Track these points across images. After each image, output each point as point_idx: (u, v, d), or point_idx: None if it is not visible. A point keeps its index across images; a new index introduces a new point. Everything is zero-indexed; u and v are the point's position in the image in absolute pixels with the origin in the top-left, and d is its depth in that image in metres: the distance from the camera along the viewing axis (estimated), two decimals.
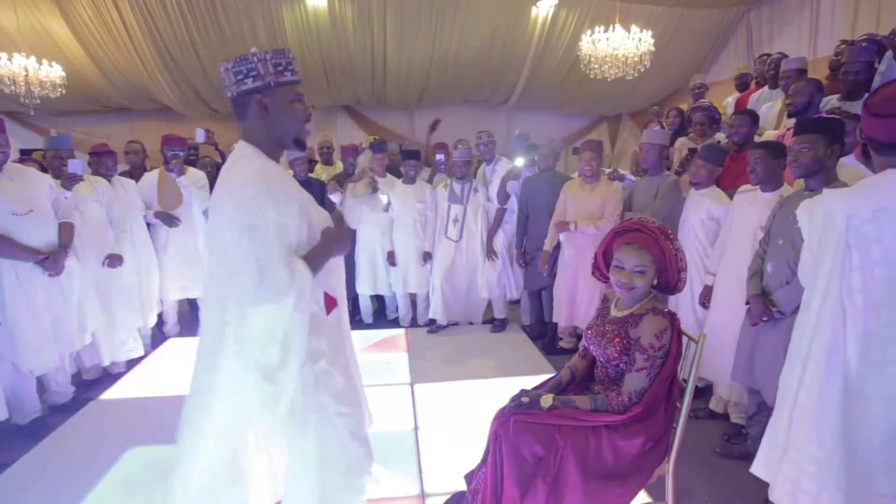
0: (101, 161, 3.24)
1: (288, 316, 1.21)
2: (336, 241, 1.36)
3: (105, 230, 3.10)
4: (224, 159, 4.44)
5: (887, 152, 1.37)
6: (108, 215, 3.12)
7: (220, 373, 1.30)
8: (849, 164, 2.37)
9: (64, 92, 6.27)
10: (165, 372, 3.31)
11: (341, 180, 4.00)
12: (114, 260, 3.07)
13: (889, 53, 2.87)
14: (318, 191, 3.89)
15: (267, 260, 1.16)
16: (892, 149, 1.36)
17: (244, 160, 1.25)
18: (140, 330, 3.53)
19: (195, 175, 3.80)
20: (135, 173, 3.85)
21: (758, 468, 1.60)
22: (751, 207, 2.40)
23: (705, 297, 2.65)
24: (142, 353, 3.38)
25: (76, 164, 2.88)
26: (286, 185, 1.30)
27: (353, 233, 1.42)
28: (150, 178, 3.73)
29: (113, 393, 3.02)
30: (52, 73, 6.07)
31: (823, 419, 1.36)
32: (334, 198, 3.71)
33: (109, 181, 3.24)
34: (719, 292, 2.55)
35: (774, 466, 1.50)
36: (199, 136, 4.26)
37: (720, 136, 3.61)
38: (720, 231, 2.65)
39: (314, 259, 1.29)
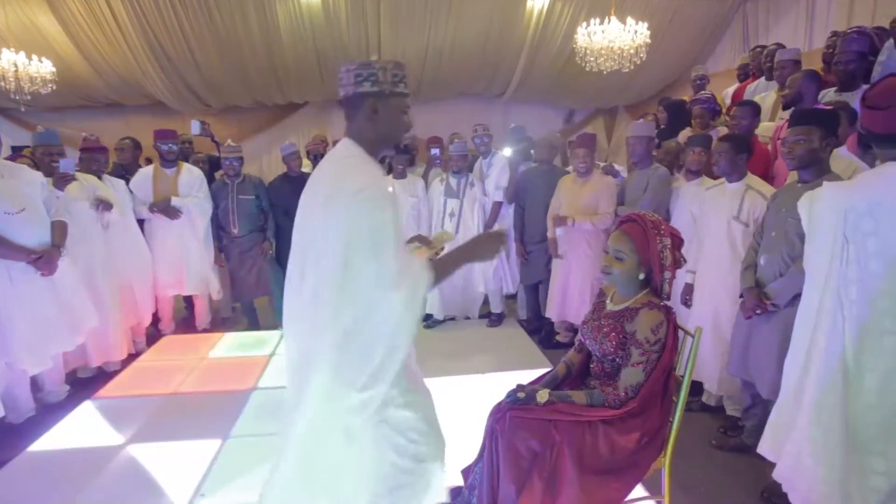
0: (94, 157, 3.19)
1: (398, 313, 1.21)
2: (481, 247, 1.39)
3: (96, 229, 3.05)
4: (220, 151, 4.39)
5: (885, 145, 1.38)
6: (97, 216, 3.06)
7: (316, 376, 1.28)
8: (842, 156, 2.37)
9: (55, 88, 6.19)
10: (161, 370, 3.29)
11: None
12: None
13: (890, 42, 2.85)
14: None
15: (386, 254, 1.19)
16: (890, 141, 1.36)
17: (354, 161, 1.29)
18: (134, 328, 3.52)
19: (190, 174, 3.76)
20: (127, 170, 3.81)
21: (764, 448, 1.64)
22: (721, 200, 2.45)
23: (687, 295, 2.65)
24: (125, 355, 3.33)
25: (68, 164, 2.84)
26: (392, 192, 1.36)
27: (500, 240, 1.43)
28: (146, 172, 3.70)
29: (108, 391, 3.01)
30: (42, 68, 5.99)
31: (823, 402, 1.39)
32: None
33: (100, 178, 3.20)
34: (699, 288, 2.57)
35: (779, 446, 1.53)
36: (195, 127, 4.23)
37: (721, 129, 3.59)
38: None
39: (447, 262, 1.35)
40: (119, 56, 6.46)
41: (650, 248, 1.54)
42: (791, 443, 1.48)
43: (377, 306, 1.20)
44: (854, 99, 2.82)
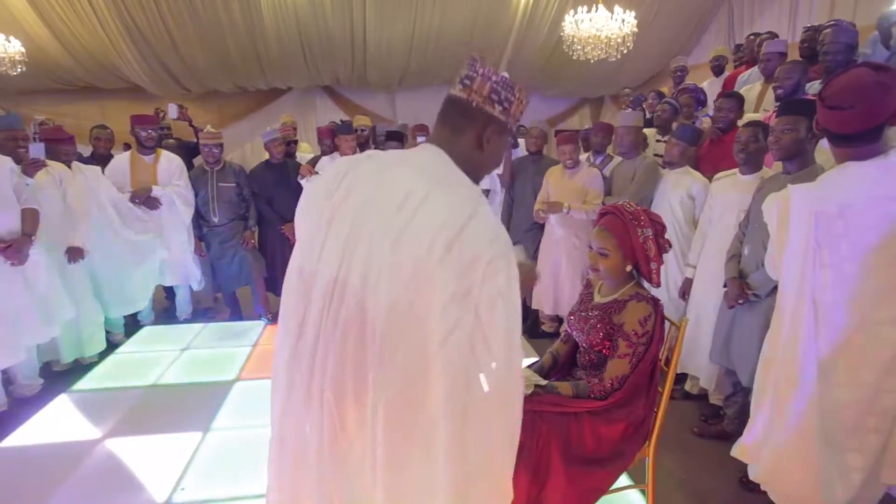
0: (59, 148, 3.00)
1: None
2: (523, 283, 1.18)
3: (66, 220, 2.93)
4: (198, 137, 4.27)
5: (843, 144, 1.36)
6: (67, 206, 2.93)
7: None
8: (825, 147, 2.38)
9: (25, 70, 5.96)
10: (140, 361, 3.22)
11: (316, 164, 3.92)
12: (73, 253, 2.91)
13: (875, 35, 2.87)
14: (293, 174, 3.79)
15: (517, 320, 0.98)
16: (847, 140, 1.34)
17: (474, 194, 1.00)
18: (110, 321, 3.43)
19: (169, 161, 3.63)
20: (105, 162, 3.67)
21: (737, 450, 1.63)
22: (731, 192, 2.36)
23: (685, 290, 2.64)
24: (104, 347, 3.24)
25: (38, 149, 2.72)
26: None
27: (533, 277, 1.30)
28: (122, 159, 3.57)
29: (84, 384, 2.93)
30: (11, 48, 5.75)
31: (799, 406, 1.39)
32: (304, 183, 3.62)
33: (69, 167, 3.06)
34: (701, 282, 2.54)
35: (756, 450, 1.54)
36: (172, 111, 4.10)
37: (705, 120, 3.60)
38: (698, 215, 2.65)
39: None
40: (93, 36, 6.23)
41: (632, 242, 1.53)
42: (769, 448, 1.48)
43: (503, 368, 0.95)
44: None
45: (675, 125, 3.66)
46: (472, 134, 1.02)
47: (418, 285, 0.90)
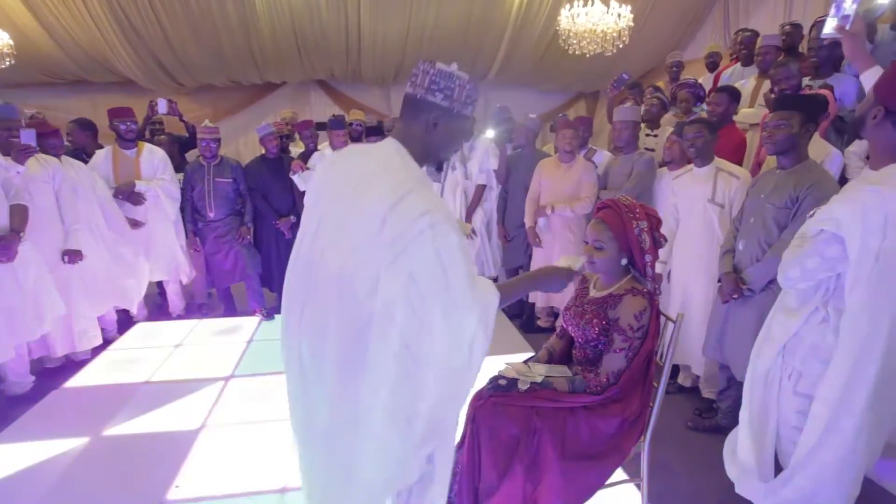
0: (47, 140, 2.95)
1: (469, 335, 1.12)
2: (555, 279, 1.38)
3: (56, 214, 2.89)
4: (189, 131, 4.23)
5: None
6: (57, 201, 2.89)
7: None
8: (816, 140, 2.40)
9: (13, 62, 5.86)
10: (132, 358, 3.20)
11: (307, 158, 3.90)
12: (72, 256, 2.88)
13: (885, 26, 2.87)
14: (288, 169, 3.77)
15: (458, 278, 1.09)
16: None
17: (412, 175, 1.14)
18: (106, 315, 3.40)
19: (152, 154, 3.60)
20: (86, 153, 3.61)
21: (746, 489, 1.58)
22: (693, 185, 2.48)
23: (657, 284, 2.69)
24: (100, 342, 3.23)
25: (29, 135, 2.65)
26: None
27: (570, 277, 1.41)
28: (104, 154, 3.52)
29: (77, 381, 2.91)
30: None
31: (861, 434, 1.33)
32: (296, 178, 3.60)
33: (59, 159, 3.02)
34: (678, 274, 2.59)
35: (776, 486, 1.48)
36: (161, 106, 4.04)
37: (702, 112, 3.60)
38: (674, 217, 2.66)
39: (512, 287, 1.29)
40: (83, 29, 6.14)
41: (628, 234, 1.53)
42: (804, 479, 1.40)
43: (443, 334, 1.10)
44: (836, 84, 2.86)
45: (664, 120, 3.67)
46: (421, 121, 1.19)
47: (358, 257, 1.09)
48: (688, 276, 2.54)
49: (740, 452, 1.61)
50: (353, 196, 1.12)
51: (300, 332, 1.19)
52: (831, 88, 2.76)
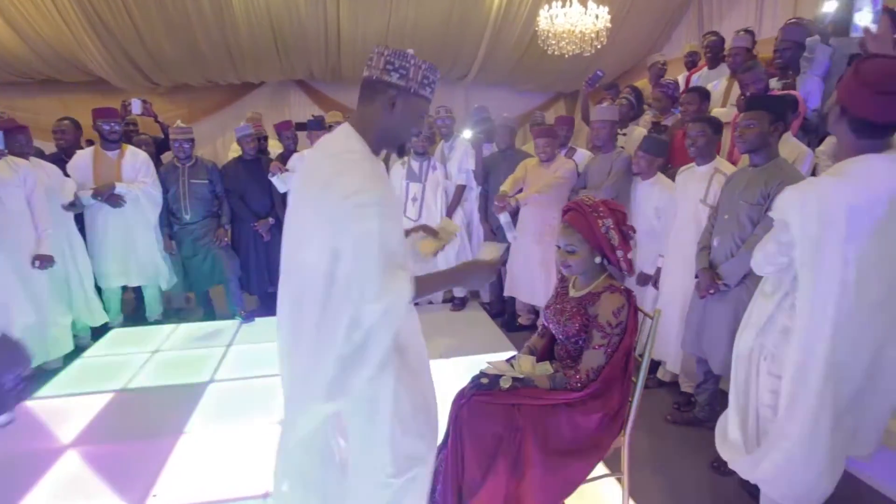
0: (15, 138, 2.85)
1: (372, 321, 1.14)
2: (474, 275, 1.37)
3: (27, 219, 2.79)
4: (165, 133, 4.14)
5: (877, 134, 1.30)
6: (29, 205, 2.80)
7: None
8: (790, 141, 2.47)
9: None
10: (107, 365, 3.12)
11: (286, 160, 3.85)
12: (44, 261, 2.80)
13: (815, 38, 2.98)
14: (265, 170, 3.72)
15: (369, 265, 1.12)
16: (881, 131, 1.29)
17: (351, 158, 1.18)
18: (76, 323, 3.30)
19: (135, 157, 3.52)
20: (68, 155, 3.52)
21: (736, 464, 1.62)
22: (690, 183, 2.49)
23: (656, 278, 2.73)
24: (71, 348, 3.15)
25: None
26: (390, 189, 1.31)
27: (493, 271, 1.40)
28: (85, 155, 3.43)
29: (48, 391, 2.82)
30: None
31: (822, 410, 1.37)
32: (275, 180, 3.56)
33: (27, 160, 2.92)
34: (667, 270, 2.64)
35: (752, 455, 1.54)
36: (135, 106, 3.95)
37: (676, 116, 3.68)
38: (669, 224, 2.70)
39: (432, 281, 1.29)
40: (51, 26, 5.95)
41: (596, 234, 1.55)
42: (777, 452, 1.45)
43: (346, 323, 1.14)
44: (799, 85, 2.95)
45: (640, 129, 3.73)
46: (379, 102, 1.21)
47: (300, 239, 1.20)
48: (671, 274, 2.58)
49: (730, 431, 1.66)
50: (303, 187, 1.22)
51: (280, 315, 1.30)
52: (795, 89, 2.86)
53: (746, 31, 3.70)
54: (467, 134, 3.93)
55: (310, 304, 1.16)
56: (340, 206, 1.10)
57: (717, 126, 2.40)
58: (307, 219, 1.18)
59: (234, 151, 4.35)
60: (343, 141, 1.21)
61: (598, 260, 1.60)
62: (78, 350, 3.26)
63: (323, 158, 1.22)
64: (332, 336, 1.14)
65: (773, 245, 1.45)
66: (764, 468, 1.50)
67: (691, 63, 4.74)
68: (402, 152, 1.34)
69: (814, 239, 1.32)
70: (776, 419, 1.49)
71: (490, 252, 1.42)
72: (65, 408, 2.62)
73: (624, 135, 3.61)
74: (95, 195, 3.31)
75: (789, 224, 1.36)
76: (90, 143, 4.35)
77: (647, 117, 3.84)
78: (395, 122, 1.23)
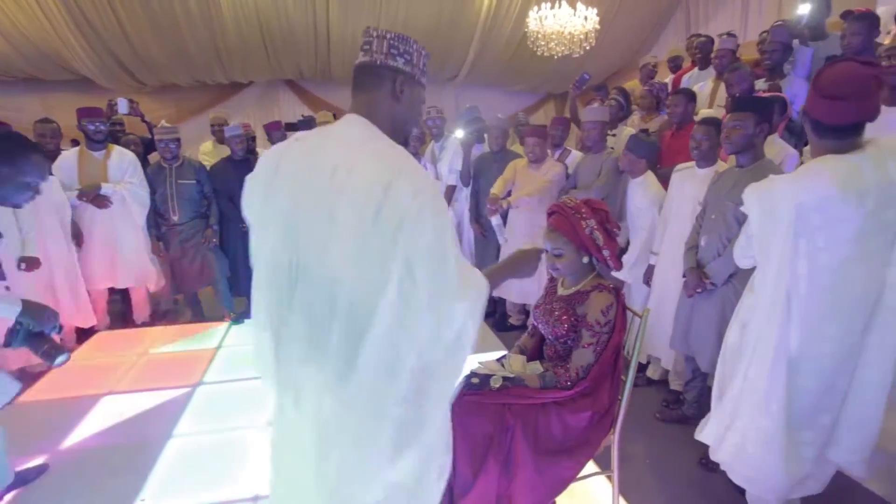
0: None
1: (459, 324, 1.04)
2: (525, 264, 1.33)
3: (13, 220, 2.73)
4: (152, 133, 4.09)
5: (831, 135, 1.36)
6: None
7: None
8: (775, 142, 2.51)
9: None
10: (94, 369, 3.07)
11: None
12: (30, 265, 2.75)
13: (796, 42, 3.03)
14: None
15: (450, 263, 1.02)
16: (835, 132, 1.35)
17: (391, 151, 1.04)
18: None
19: (122, 157, 3.47)
20: (51, 156, 3.45)
21: (702, 434, 1.69)
22: (688, 184, 2.48)
23: (648, 276, 2.74)
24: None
25: None
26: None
27: (538, 257, 1.38)
28: (69, 156, 3.38)
29: (32, 395, 2.77)
30: None
31: (772, 394, 1.44)
32: None
33: None
34: (661, 269, 2.64)
35: (721, 433, 1.59)
36: (122, 106, 3.89)
37: (664, 117, 3.72)
38: (657, 216, 2.72)
39: (495, 275, 1.23)
40: (33, 24, 5.85)
41: (580, 235, 1.57)
42: (733, 432, 1.54)
43: (435, 326, 1.01)
44: (785, 86, 3.01)
45: (629, 129, 3.76)
46: (385, 89, 1.09)
47: (358, 252, 0.97)
48: (666, 271, 2.58)
49: (710, 420, 1.72)
50: (333, 187, 0.99)
51: (287, 347, 1.08)
52: (781, 90, 2.90)
53: (730, 34, 3.76)
54: (459, 134, 3.94)
55: (363, 317, 0.98)
56: (409, 209, 0.95)
57: (721, 129, 2.33)
58: (354, 237, 0.97)
59: (204, 154, 4.28)
60: (372, 136, 1.06)
61: (585, 260, 1.61)
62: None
63: (359, 158, 1.01)
64: (412, 343, 0.99)
65: (743, 238, 1.56)
66: (725, 448, 1.56)
67: (675, 67, 4.80)
68: (405, 144, 1.22)
69: (765, 233, 1.41)
70: (736, 398, 1.55)
71: (529, 244, 1.44)
72: (48, 412, 2.58)
73: (613, 135, 3.65)
74: (81, 196, 3.26)
75: (749, 218, 1.46)
76: (75, 143, 4.29)
77: (635, 118, 3.88)
78: (403, 111, 1.13)
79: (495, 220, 3.38)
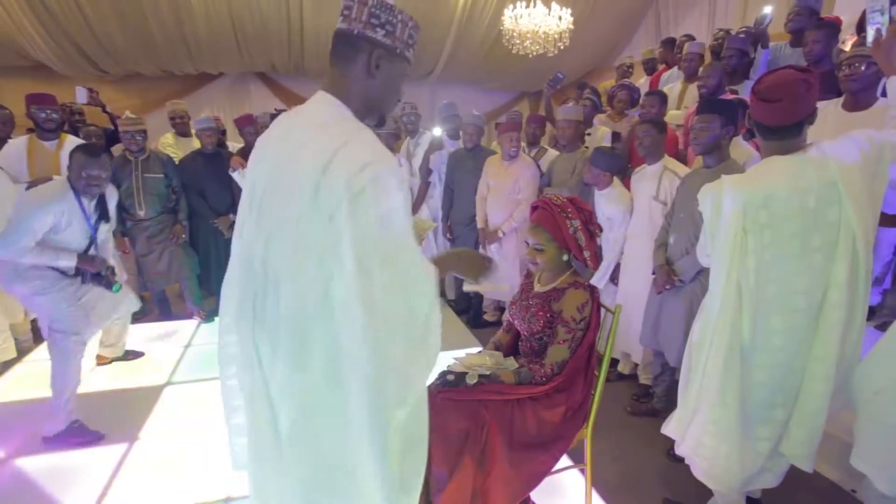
0: None
1: (426, 309, 0.99)
2: (469, 266, 1.27)
3: None
4: (115, 123, 3.92)
5: (771, 136, 1.47)
6: None
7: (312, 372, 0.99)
8: (741, 143, 2.60)
9: None
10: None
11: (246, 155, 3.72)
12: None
13: (784, 43, 3.15)
14: (226, 165, 3.60)
15: (406, 248, 0.97)
16: (775, 133, 1.45)
17: (349, 127, 0.98)
18: (17, 325, 3.09)
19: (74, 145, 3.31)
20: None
21: (668, 428, 1.75)
22: (643, 182, 2.60)
23: (615, 275, 2.82)
24: (14, 355, 2.96)
25: None
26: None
27: (489, 267, 1.31)
28: (17, 144, 3.17)
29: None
30: None
31: (727, 386, 1.50)
32: (236, 175, 3.45)
33: None
34: (625, 266, 2.73)
35: (684, 427, 1.65)
36: (80, 95, 3.70)
37: (635, 118, 3.80)
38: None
39: (442, 264, 1.16)
40: None
41: (564, 234, 1.59)
42: (695, 425, 1.61)
43: (396, 324, 0.94)
44: (743, 90, 3.12)
45: (598, 119, 3.82)
46: (360, 63, 1.02)
47: (302, 233, 0.92)
48: (631, 270, 2.66)
49: (676, 412, 1.77)
50: (284, 168, 0.96)
51: (255, 332, 1.04)
52: (738, 94, 3.02)
53: (691, 38, 3.88)
54: (438, 131, 3.93)
55: (310, 318, 0.94)
56: (353, 185, 0.88)
57: (661, 127, 2.53)
58: (297, 217, 0.92)
59: (167, 146, 4.11)
60: (327, 110, 1.01)
61: (565, 258, 1.63)
62: (20, 354, 3.06)
63: (309, 135, 0.97)
64: (371, 350, 0.92)
65: (703, 235, 1.64)
66: (687, 442, 1.64)
67: (650, 68, 4.91)
68: (381, 123, 1.14)
69: (716, 230, 1.50)
70: (696, 392, 1.61)
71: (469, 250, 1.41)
72: (4, 416, 2.46)
73: (589, 135, 3.70)
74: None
75: (703, 216, 1.55)
76: (31, 131, 4.07)
77: (603, 117, 3.94)
78: (378, 88, 1.04)
79: (494, 248, 3.39)
